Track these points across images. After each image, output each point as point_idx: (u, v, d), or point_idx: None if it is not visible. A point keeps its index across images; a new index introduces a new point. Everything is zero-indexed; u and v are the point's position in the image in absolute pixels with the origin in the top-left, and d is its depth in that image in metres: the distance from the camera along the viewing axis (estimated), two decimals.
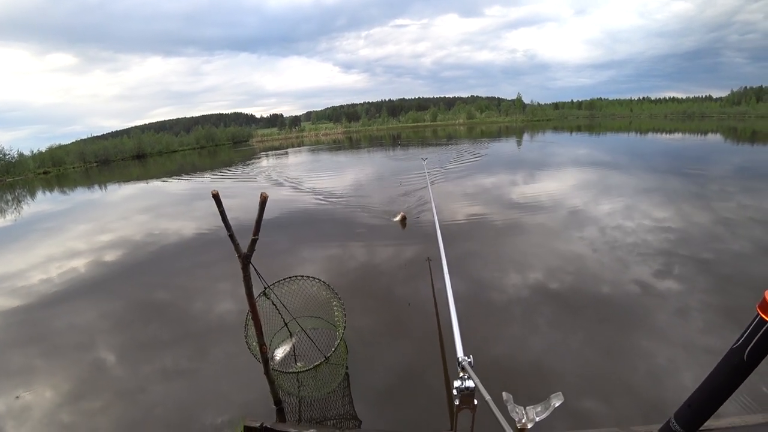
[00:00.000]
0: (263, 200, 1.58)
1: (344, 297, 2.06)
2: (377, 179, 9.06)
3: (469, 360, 1.44)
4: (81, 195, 11.44)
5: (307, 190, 8.14)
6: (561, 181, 7.51)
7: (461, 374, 1.44)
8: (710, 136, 11.34)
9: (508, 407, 0.87)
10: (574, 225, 4.89)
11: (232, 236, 1.64)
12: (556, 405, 0.90)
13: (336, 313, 2.06)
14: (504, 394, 0.87)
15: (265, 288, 2.01)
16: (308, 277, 2.13)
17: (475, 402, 1.43)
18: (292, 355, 2.27)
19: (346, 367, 2.28)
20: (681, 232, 4.38)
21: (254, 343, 1.90)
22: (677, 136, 11.96)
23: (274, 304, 2.03)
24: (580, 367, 2.30)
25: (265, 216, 1.63)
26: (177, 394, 2.28)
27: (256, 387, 2.08)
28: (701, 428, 1.77)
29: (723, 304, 2.83)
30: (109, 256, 4.75)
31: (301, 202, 7.05)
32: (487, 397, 1.10)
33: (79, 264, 4.51)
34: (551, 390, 2.20)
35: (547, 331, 2.71)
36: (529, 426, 0.89)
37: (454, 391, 1.41)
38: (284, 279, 2.13)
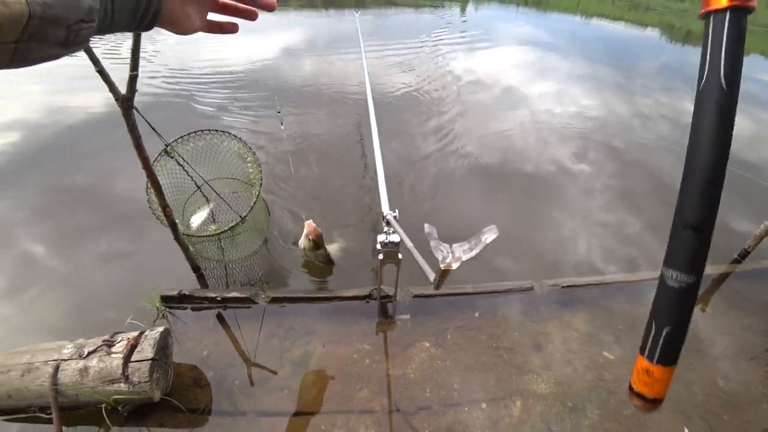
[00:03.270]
0: None
1: (268, 162, 1.88)
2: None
3: (395, 214, 1.40)
4: None
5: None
6: (501, 59, 7.35)
7: (386, 229, 1.42)
8: (648, 30, 11.53)
9: (431, 244, 0.80)
10: (506, 104, 4.94)
11: (102, 72, 1.26)
12: (489, 241, 0.80)
13: (251, 170, 1.87)
14: (426, 226, 0.79)
15: (167, 145, 1.71)
16: (215, 131, 1.84)
17: (400, 256, 1.45)
18: (211, 221, 2.11)
19: (268, 229, 2.20)
20: (601, 121, 4.67)
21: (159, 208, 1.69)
22: (619, 25, 11.98)
23: (181, 165, 1.77)
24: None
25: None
26: (107, 277, 2.14)
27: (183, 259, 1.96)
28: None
29: (621, 186, 3.25)
30: (3, 140, 3.82)
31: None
32: (409, 245, 1.07)
33: None
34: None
35: (472, 199, 2.90)
36: (455, 266, 0.82)
37: (378, 245, 1.40)
38: (187, 134, 1.82)
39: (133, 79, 1.30)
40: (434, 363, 1.63)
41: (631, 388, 0.49)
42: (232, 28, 0.53)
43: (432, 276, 0.93)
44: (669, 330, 0.44)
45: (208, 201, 2.04)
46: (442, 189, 2.96)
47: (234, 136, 1.87)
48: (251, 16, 0.53)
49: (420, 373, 1.59)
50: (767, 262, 2.36)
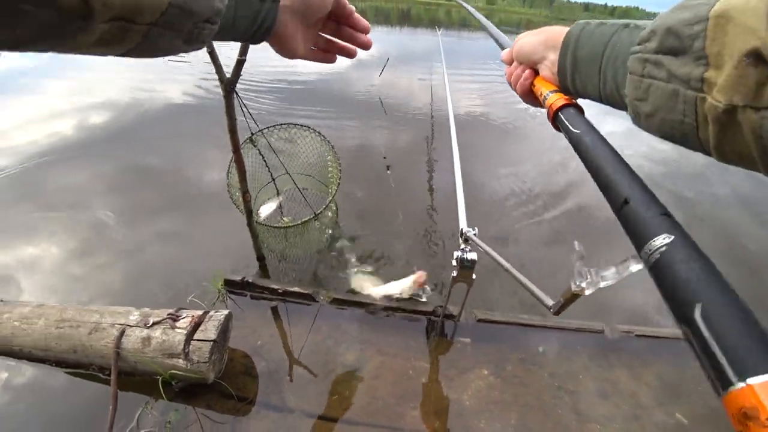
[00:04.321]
0: None
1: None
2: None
3: (474, 231, 1.34)
4: None
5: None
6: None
7: (463, 246, 1.36)
8: None
9: (576, 264, 0.73)
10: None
11: (212, 53, 1.32)
12: (633, 271, 0.71)
13: (330, 169, 1.88)
14: (576, 243, 0.73)
15: (253, 134, 1.76)
16: (301, 126, 1.87)
17: (474, 276, 1.38)
18: (278, 214, 2.14)
19: (336, 226, 2.20)
20: (673, 167, 4.37)
21: (237, 193, 1.73)
22: None
23: (261, 155, 1.81)
24: (537, 269, 2.37)
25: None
26: (173, 253, 2.25)
27: (247, 246, 2.02)
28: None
29: None
30: (96, 119, 4.24)
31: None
32: (506, 265, 0.99)
33: (65, 125, 4.00)
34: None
35: (523, 232, 2.78)
36: (588, 292, 0.74)
37: (453, 262, 1.34)
38: (275, 126, 1.87)
39: (239, 64, 1.35)
40: (492, 393, 1.52)
41: None
42: (331, 59, 0.55)
43: (550, 301, 0.84)
44: (702, 306, 0.25)
45: (278, 193, 2.07)
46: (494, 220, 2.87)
47: (318, 132, 1.90)
48: (350, 54, 0.55)
49: (476, 402, 1.48)
50: None
